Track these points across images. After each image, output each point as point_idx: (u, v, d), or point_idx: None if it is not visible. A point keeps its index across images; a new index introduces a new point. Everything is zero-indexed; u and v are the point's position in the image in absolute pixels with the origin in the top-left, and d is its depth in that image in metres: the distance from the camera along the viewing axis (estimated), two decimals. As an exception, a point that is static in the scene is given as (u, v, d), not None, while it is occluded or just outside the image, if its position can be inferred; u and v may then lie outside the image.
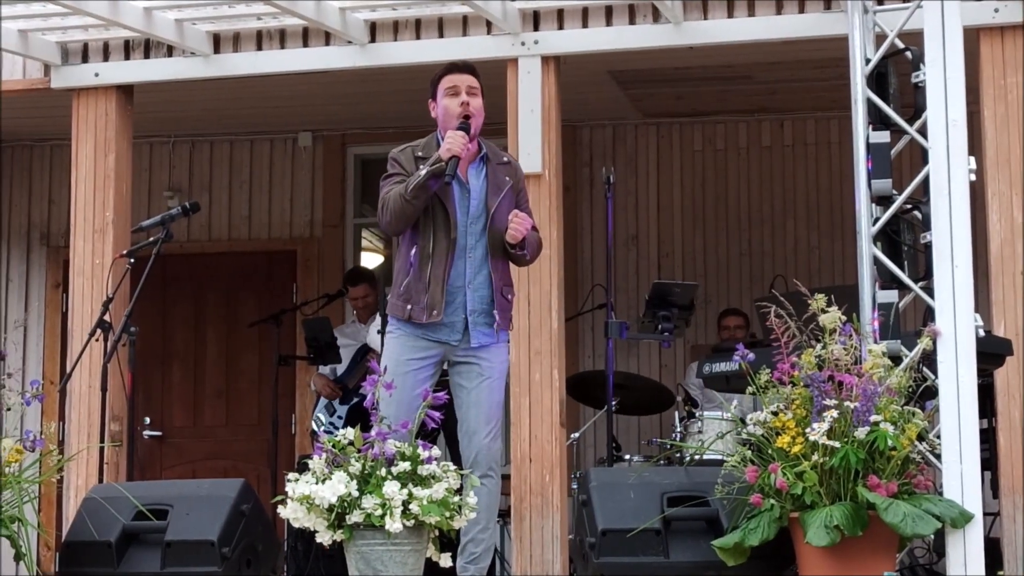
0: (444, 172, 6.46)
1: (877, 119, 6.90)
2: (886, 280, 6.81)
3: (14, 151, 11.49)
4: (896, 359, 6.49)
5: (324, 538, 5.84)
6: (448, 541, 6.03)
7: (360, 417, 6.09)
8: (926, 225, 6.65)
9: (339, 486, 5.74)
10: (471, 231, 6.64)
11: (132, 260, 7.96)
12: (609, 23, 8.28)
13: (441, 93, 6.73)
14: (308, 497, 5.78)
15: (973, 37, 7.63)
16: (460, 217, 6.63)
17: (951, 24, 6.58)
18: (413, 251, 6.63)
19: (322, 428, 9.75)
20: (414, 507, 5.72)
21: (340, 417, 9.83)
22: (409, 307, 6.61)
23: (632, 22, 8.25)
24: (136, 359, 7.85)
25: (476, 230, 6.65)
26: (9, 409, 6.94)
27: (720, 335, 10.20)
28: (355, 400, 9.80)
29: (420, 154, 6.69)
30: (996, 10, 7.79)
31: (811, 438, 6.11)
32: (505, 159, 6.84)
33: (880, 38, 7.02)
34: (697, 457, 8.19)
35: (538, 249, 6.90)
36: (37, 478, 6.97)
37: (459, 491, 5.95)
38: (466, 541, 6.62)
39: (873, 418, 6.09)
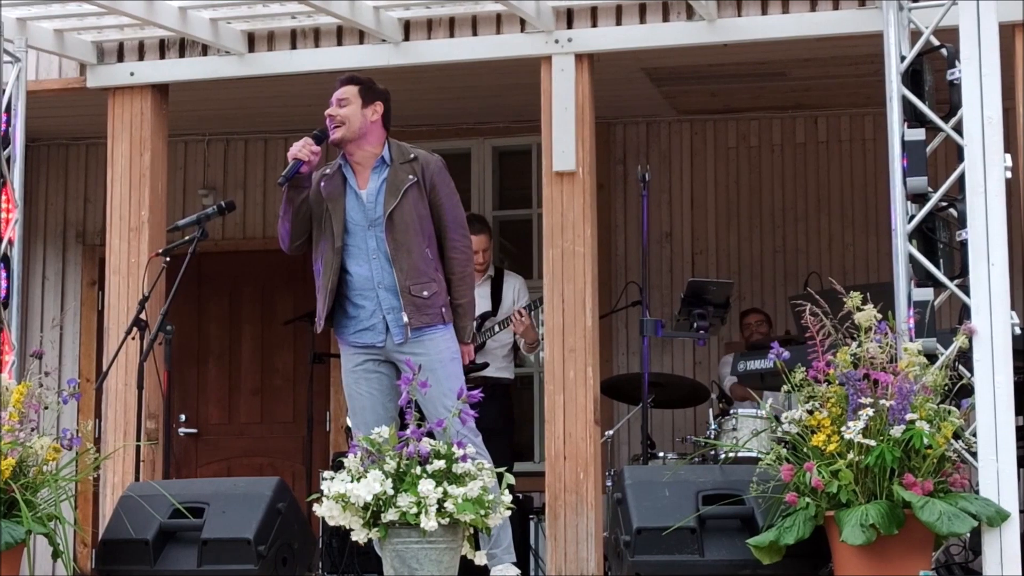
0: (289, 177, 6.86)
1: (912, 116, 6.89)
2: (921, 278, 6.80)
3: (50, 150, 11.54)
4: (932, 357, 6.48)
5: (359, 536, 5.86)
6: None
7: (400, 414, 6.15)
8: (961, 223, 6.64)
9: (374, 484, 5.76)
10: (370, 235, 6.89)
11: (168, 259, 7.99)
12: (643, 20, 8.26)
13: None
14: (343, 495, 5.80)
15: (1008, 34, 7.59)
16: (358, 223, 6.87)
17: (986, 21, 6.56)
18: (315, 267, 7.00)
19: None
20: (449, 505, 5.73)
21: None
22: (319, 320, 7.01)
23: (666, 19, 8.23)
24: (172, 357, 7.88)
25: (376, 233, 6.87)
26: (46, 407, 6.97)
27: (743, 333, 10.19)
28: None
29: (327, 171, 7.08)
30: (1032, 6, 7.75)
31: (847, 436, 6.10)
32: (412, 156, 7.02)
33: (915, 35, 6.99)
34: (732, 455, 8.19)
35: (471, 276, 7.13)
36: (74, 476, 7.00)
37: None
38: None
39: (909, 416, 6.08)
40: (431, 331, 6.83)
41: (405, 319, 6.79)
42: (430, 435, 5.93)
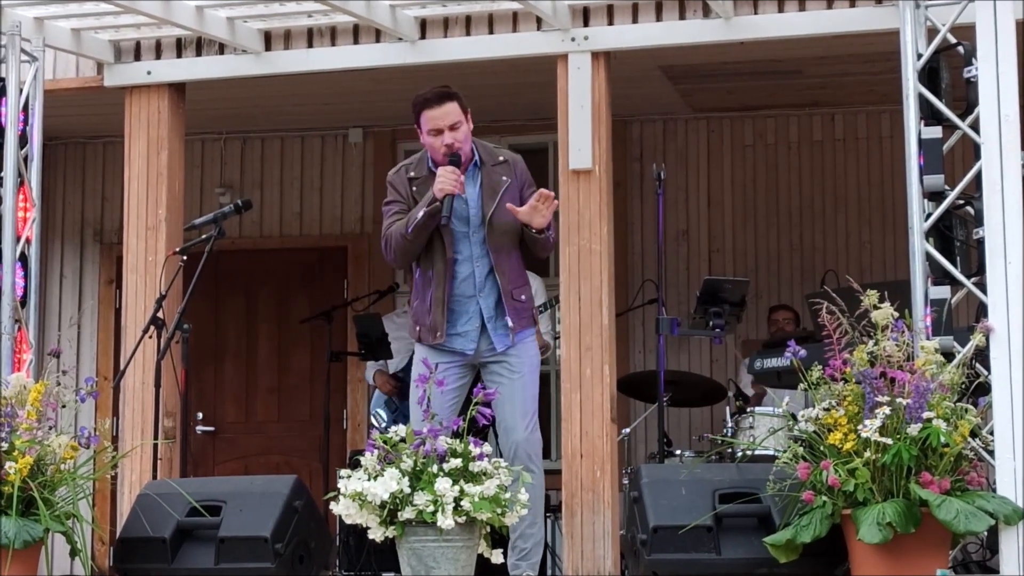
0: (440, 211, 6.59)
1: (929, 114, 6.88)
2: (938, 276, 6.79)
3: (67, 149, 11.57)
4: (948, 355, 6.46)
5: (376, 534, 5.87)
6: (500, 538, 6.04)
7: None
8: (978, 221, 6.63)
9: (391, 483, 5.77)
10: (474, 240, 6.78)
11: (185, 257, 8.00)
12: (659, 18, 8.26)
13: (423, 129, 6.82)
14: (360, 494, 5.81)
15: (1026, 31, 7.58)
16: (460, 229, 6.74)
17: (1003, 18, 6.55)
18: (417, 274, 6.83)
19: (383, 424, 9.77)
20: (466, 504, 5.74)
21: (404, 415, 9.85)
22: (418, 328, 6.81)
23: (682, 17, 8.22)
24: (189, 355, 7.89)
25: (478, 239, 6.78)
26: (64, 406, 7.00)
27: (769, 329, 10.19)
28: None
29: (412, 175, 6.87)
30: (1049, 4, 7.73)
31: (863, 435, 6.10)
32: (501, 158, 6.91)
33: (931, 32, 6.98)
34: (749, 453, 8.18)
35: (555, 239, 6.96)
36: (91, 475, 7.02)
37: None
38: (515, 538, 6.66)
39: (926, 415, 6.08)
40: (524, 335, 6.81)
41: (510, 323, 6.74)
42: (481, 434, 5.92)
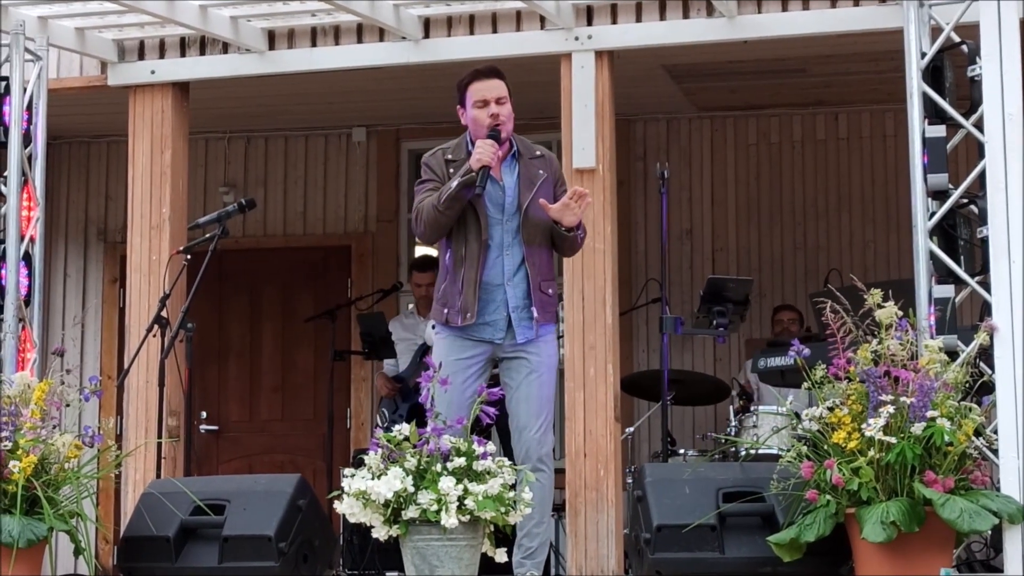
0: (475, 183, 6.52)
1: (933, 113, 6.88)
2: (942, 275, 6.79)
3: (71, 148, 11.57)
4: (952, 354, 6.47)
5: (380, 533, 5.87)
6: (504, 537, 6.04)
7: (421, 414, 6.14)
8: (982, 220, 6.63)
9: (395, 482, 5.77)
10: (507, 228, 6.70)
11: (188, 256, 8.00)
12: (663, 17, 8.26)
13: (469, 103, 6.76)
14: (364, 493, 5.80)
15: (1030, 29, 7.58)
16: (494, 216, 6.67)
17: (1007, 17, 6.55)
18: (448, 255, 6.72)
19: (384, 424, 9.78)
20: (469, 503, 5.74)
21: (401, 415, 9.86)
22: (446, 311, 6.70)
23: (686, 16, 8.23)
24: (193, 354, 7.90)
25: (512, 227, 6.70)
26: (68, 405, 6.99)
27: (773, 330, 10.18)
28: (417, 398, 9.82)
29: (450, 157, 6.76)
30: (1053, 2, 7.72)
31: (867, 434, 6.09)
32: (538, 153, 6.85)
33: (935, 31, 6.98)
34: (752, 452, 8.18)
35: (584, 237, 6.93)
36: (95, 473, 7.02)
37: (514, 486, 5.97)
38: (521, 536, 6.65)
39: (930, 414, 6.07)
40: (547, 329, 6.76)
41: (535, 314, 6.68)
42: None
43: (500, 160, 6.71)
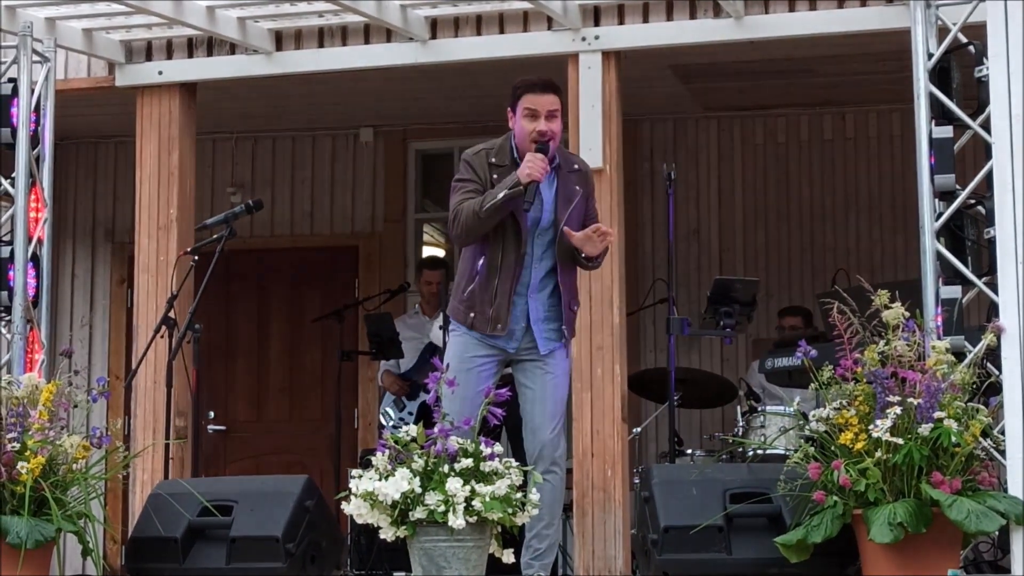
0: (523, 195, 6.48)
1: (940, 114, 6.88)
2: (949, 276, 6.79)
3: (79, 148, 11.58)
4: (960, 355, 6.47)
5: (387, 534, 5.87)
6: (511, 538, 6.04)
7: (428, 413, 6.13)
8: (990, 220, 6.63)
9: (402, 483, 5.77)
10: (539, 242, 6.66)
11: (196, 257, 8.01)
12: (670, 18, 8.26)
13: (520, 111, 6.70)
14: (371, 494, 5.81)
15: (1037, 30, 7.57)
16: (530, 228, 6.64)
17: (1014, 17, 6.55)
18: (481, 261, 6.65)
19: (391, 424, 9.78)
20: (477, 504, 5.74)
21: (411, 413, 9.87)
22: (472, 315, 6.65)
23: (693, 17, 8.22)
24: (200, 355, 7.91)
25: (544, 241, 6.67)
26: (76, 406, 7.01)
27: (779, 334, 10.16)
28: (423, 397, 9.82)
29: (494, 160, 6.69)
30: (1061, 2, 7.71)
31: (874, 435, 6.10)
32: (576, 166, 6.81)
33: (942, 32, 6.98)
34: (760, 453, 8.18)
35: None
36: (103, 474, 7.03)
37: (522, 487, 5.97)
38: (530, 537, 6.64)
39: (937, 414, 6.08)
40: (565, 344, 6.79)
41: (566, 334, 6.69)
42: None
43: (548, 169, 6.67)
